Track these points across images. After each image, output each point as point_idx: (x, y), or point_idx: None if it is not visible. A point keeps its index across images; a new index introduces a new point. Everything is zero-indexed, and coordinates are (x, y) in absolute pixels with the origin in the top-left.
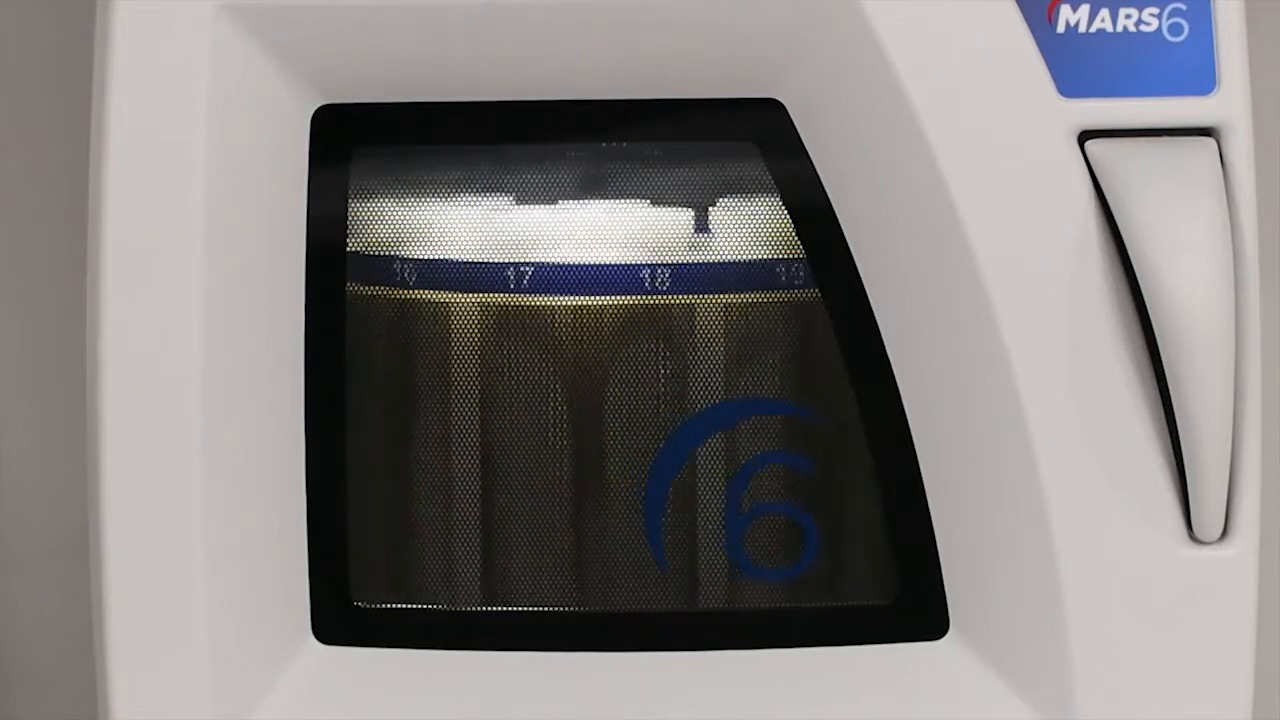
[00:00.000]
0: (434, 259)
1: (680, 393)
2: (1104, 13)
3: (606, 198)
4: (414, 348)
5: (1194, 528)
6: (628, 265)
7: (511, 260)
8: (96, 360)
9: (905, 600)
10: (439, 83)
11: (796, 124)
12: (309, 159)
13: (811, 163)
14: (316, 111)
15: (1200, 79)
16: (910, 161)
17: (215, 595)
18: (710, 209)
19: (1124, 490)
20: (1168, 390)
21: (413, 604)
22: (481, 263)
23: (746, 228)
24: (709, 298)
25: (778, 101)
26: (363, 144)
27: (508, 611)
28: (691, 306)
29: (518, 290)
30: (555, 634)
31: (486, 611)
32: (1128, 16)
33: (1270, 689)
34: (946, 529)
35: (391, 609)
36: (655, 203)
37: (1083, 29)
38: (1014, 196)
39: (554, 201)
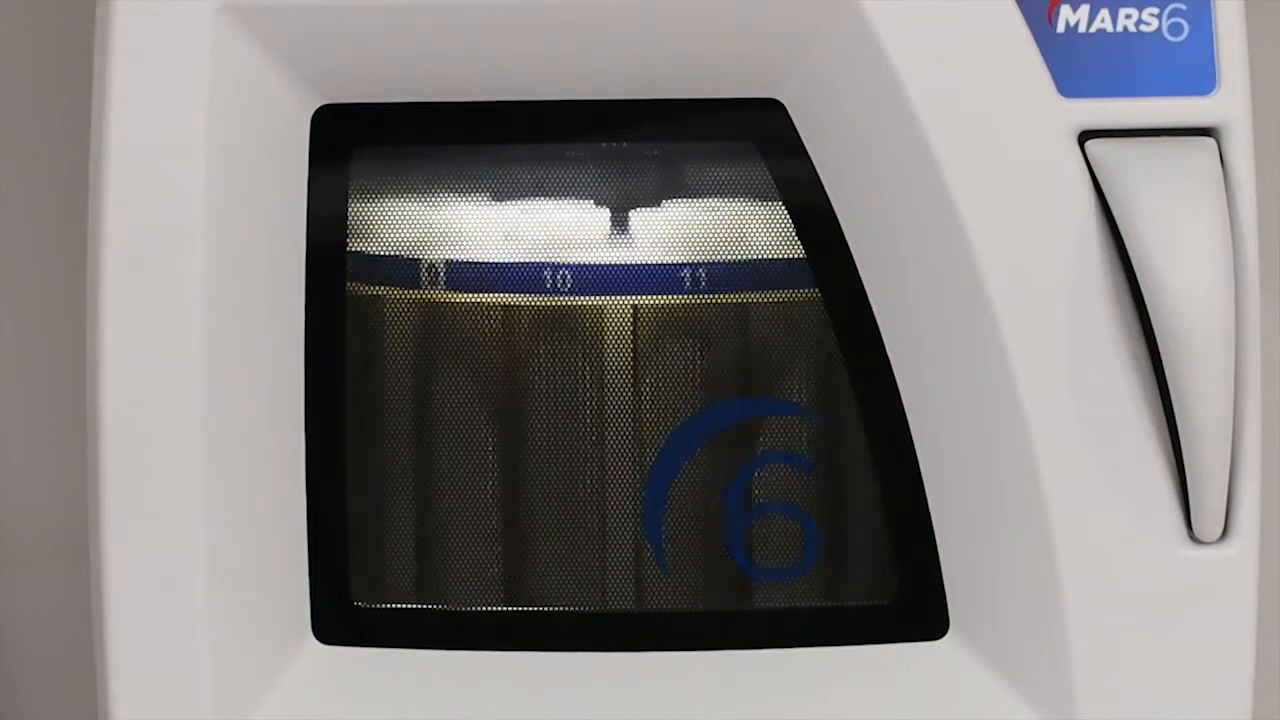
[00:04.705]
0: (433, 259)
1: (680, 393)
2: (1104, 13)
3: (605, 198)
4: (413, 347)
5: (1194, 528)
6: (626, 265)
7: (511, 260)
8: (96, 360)
9: (905, 600)
10: (439, 83)
11: (796, 124)
12: (309, 159)
13: (811, 163)
14: (316, 111)
15: (1200, 79)
16: (910, 162)
17: (215, 595)
18: (708, 209)
19: (1124, 490)
20: (1168, 390)
21: (413, 604)
22: (480, 263)
23: (746, 228)
24: (709, 297)
25: (778, 101)
26: (363, 144)
27: (507, 611)
28: (691, 306)
29: (518, 290)
30: (555, 634)
31: (486, 611)
32: (1128, 16)
33: (1270, 689)
34: (946, 529)
35: (391, 609)
36: (654, 203)
37: (1083, 29)
38: (1014, 196)
39: (553, 202)
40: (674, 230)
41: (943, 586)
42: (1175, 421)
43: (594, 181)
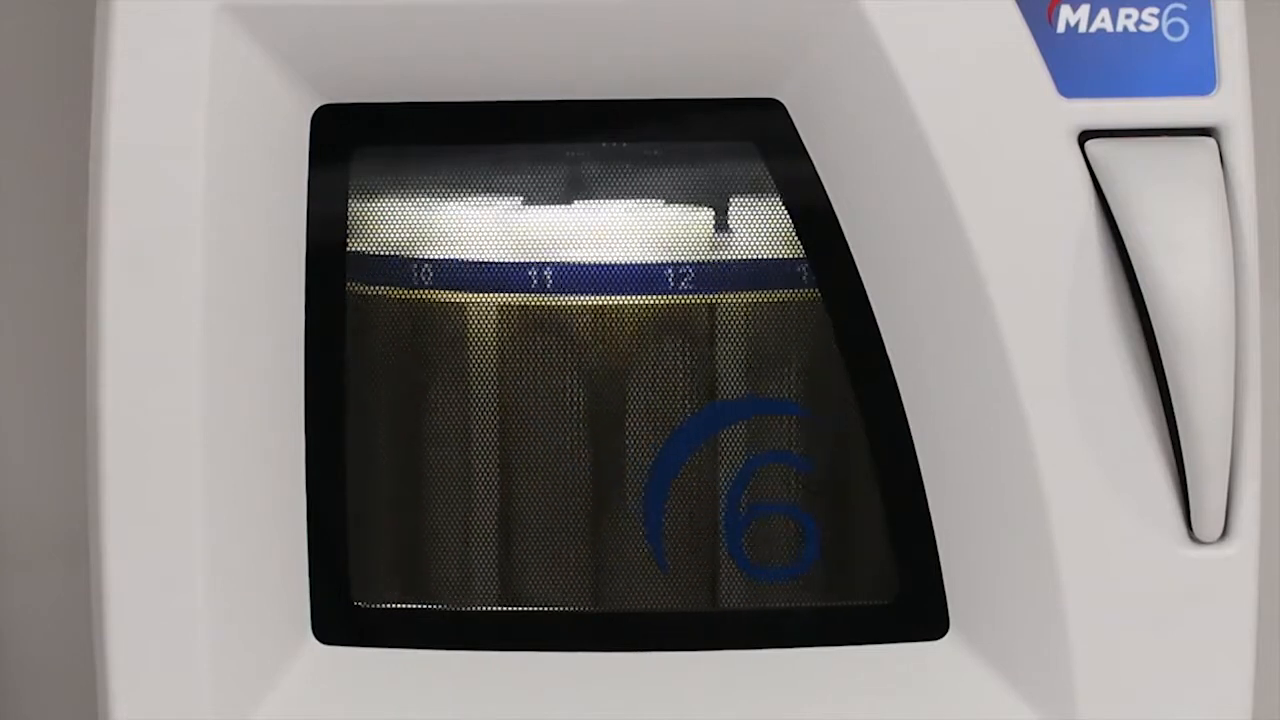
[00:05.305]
0: (433, 259)
1: (680, 393)
2: (1104, 13)
3: (605, 198)
4: (413, 347)
5: (1194, 528)
6: (627, 265)
7: (511, 260)
8: (96, 360)
9: (905, 600)
10: (439, 83)
11: (796, 124)
12: (309, 159)
13: (811, 163)
14: (316, 111)
15: (1200, 79)
16: (910, 162)
17: (215, 595)
18: (709, 209)
19: (1124, 490)
20: (1168, 390)
21: (413, 604)
22: (481, 262)
23: (745, 228)
24: (709, 297)
25: (778, 101)
26: (363, 144)
27: (508, 611)
28: (691, 306)
29: (518, 290)
30: (555, 634)
31: (486, 611)
32: (1128, 16)
33: (1270, 689)
34: (946, 529)
35: (391, 609)
36: (654, 203)
37: (1083, 29)
38: (1014, 196)
39: (553, 202)
40: (673, 230)
41: (943, 586)
42: (1175, 421)
43: (593, 182)
